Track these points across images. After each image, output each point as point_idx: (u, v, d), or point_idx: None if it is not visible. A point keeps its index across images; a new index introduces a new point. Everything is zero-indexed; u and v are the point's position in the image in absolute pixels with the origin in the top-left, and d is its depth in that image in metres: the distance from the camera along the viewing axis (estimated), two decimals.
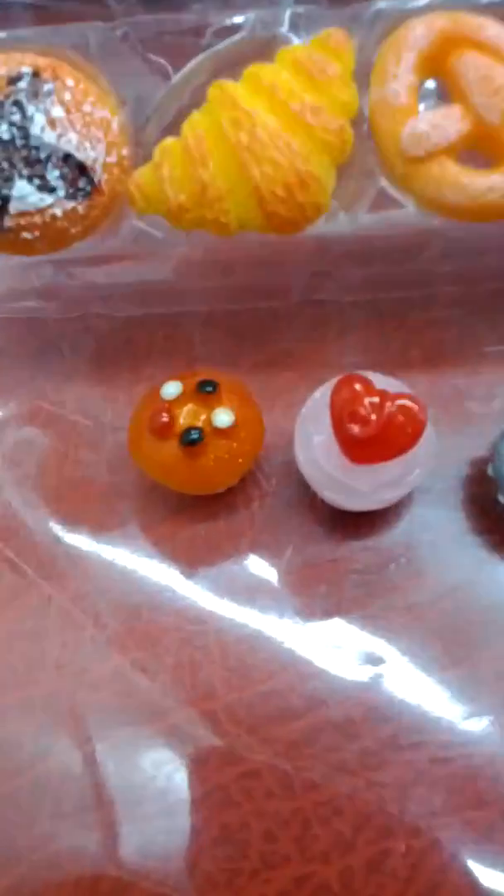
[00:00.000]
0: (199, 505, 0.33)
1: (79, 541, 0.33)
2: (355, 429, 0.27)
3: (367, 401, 0.28)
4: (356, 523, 0.33)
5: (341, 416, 0.28)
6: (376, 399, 0.28)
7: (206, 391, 0.30)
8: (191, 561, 0.33)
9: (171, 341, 0.36)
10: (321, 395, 0.30)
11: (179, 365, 0.35)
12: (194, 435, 0.29)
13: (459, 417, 0.34)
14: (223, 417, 0.29)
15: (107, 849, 0.29)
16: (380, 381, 0.29)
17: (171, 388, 0.30)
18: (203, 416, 0.30)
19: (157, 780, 0.30)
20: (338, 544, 0.33)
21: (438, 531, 0.32)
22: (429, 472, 0.30)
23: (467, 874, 0.28)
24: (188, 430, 0.29)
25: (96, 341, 0.37)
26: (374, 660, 0.31)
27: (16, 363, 0.36)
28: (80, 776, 0.30)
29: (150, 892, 0.28)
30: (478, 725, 0.29)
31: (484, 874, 0.28)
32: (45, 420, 0.35)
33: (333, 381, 0.30)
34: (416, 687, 0.30)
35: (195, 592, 0.32)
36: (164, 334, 0.36)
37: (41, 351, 0.37)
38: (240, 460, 0.30)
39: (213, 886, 0.28)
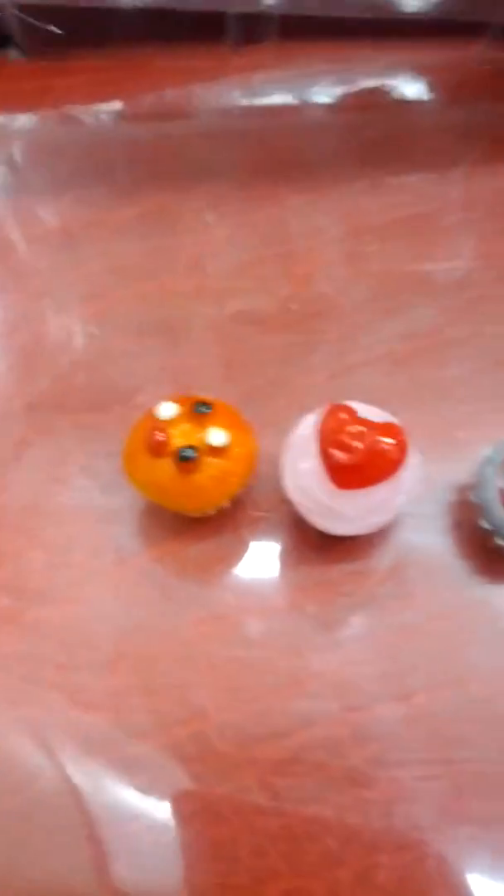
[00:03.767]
0: (192, 529, 0.34)
1: (74, 564, 0.34)
2: (341, 455, 0.29)
3: (352, 429, 0.29)
4: (345, 547, 0.34)
5: (327, 444, 0.29)
6: (361, 428, 0.29)
7: (201, 411, 0.31)
8: (183, 583, 0.34)
9: (165, 372, 0.37)
10: (307, 424, 0.31)
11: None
12: (189, 452, 0.30)
13: (446, 445, 0.35)
14: (217, 436, 0.31)
15: (98, 865, 0.30)
16: (364, 410, 0.30)
17: (167, 409, 0.31)
18: (197, 436, 0.31)
19: (149, 798, 0.30)
20: (327, 568, 0.34)
21: (425, 555, 0.34)
22: (415, 498, 0.31)
23: (453, 887, 0.29)
24: (183, 447, 0.30)
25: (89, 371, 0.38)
26: (361, 679, 0.32)
27: None
28: (73, 794, 0.31)
29: None
30: (462, 744, 0.30)
31: (469, 887, 0.29)
32: None
33: (319, 410, 0.31)
34: (402, 706, 0.31)
35: (187, 614, 0.33)
36: (156, 364, 0.38)
37: None
38: (232, 479, 0.31)
39: None
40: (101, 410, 0.37)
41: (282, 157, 0.41)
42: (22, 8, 0.35)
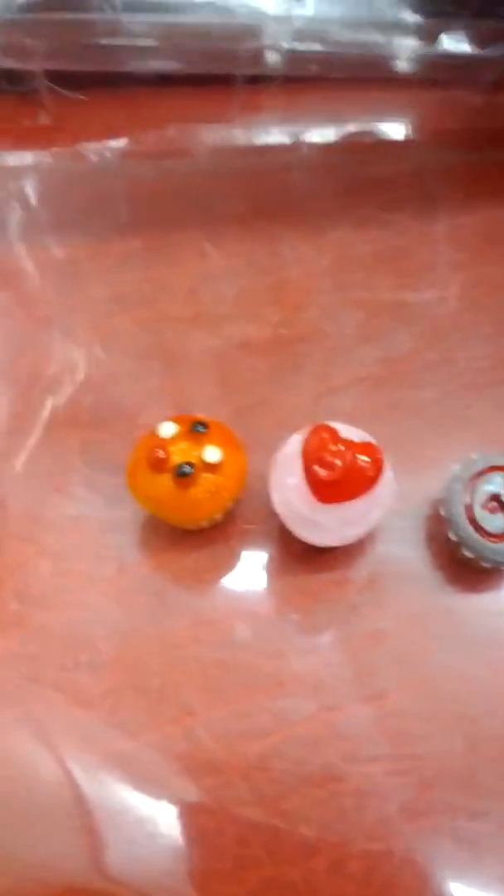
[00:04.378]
0: (187, 540, 0.37)
1: (78, 571, 0.37)
2: (322, 472, 0.31)
3: (333, 448, 0.32)
4: (326, 558, 0.36)
5: (310, 461, 0.32)
6: (341, 447, 0.32)
7: (198, 431, 0.34)
8: (178, 590, 0.36)
9: (164, 392, 0.40)
10: (294, 443, 0.34)
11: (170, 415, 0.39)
12: (187, 468, 0.33)
13: (419, 463, 0.38)
14: (212, 453, 0.33)
15: (93, 853, 0.32)
16: (345, 430, 0.33)
17: (167, 429, 0.34)
18: (194, 453, 0.33)
19: (142, 790, 0.33)
20: (309, 577, 0.36)
21: (400, 565, 0.36)
22: (390, 512, 0.34)
23: (419, 876, 0.31)
24: (182, 464, 0.33)
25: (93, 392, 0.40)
26: (337, 681, 0.34)
27: None
28: (70, 786, 0.33)
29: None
30: (429, 741, 0.33)
31: (433, 877, 0.31)
32: None
33: (304, 430, 0.34)
34: (375, 705, 0.33)
35: (180, 619, 0.35)
36: (156, 385, 0.40)
37: None
38: (224, 493, 0.34)
39: (191, 887, 0.31)
40: (106, 428, 0.39)
41: (275, 193, 0.44)
42: (47, 74, 0.37)
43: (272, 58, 0.38)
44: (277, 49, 0.37)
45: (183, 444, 0.34)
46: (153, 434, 0.34)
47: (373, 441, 0.33)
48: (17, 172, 0.45)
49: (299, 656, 0.35)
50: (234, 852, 0.32)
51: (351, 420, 0.35)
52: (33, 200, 0.44)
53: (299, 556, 0.36)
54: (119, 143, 0.45)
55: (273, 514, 0.36)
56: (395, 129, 0.46)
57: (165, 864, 0.32)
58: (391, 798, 0.32)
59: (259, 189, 0.44)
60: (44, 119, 0.43)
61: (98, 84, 0.43)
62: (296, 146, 0.45)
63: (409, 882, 0.31)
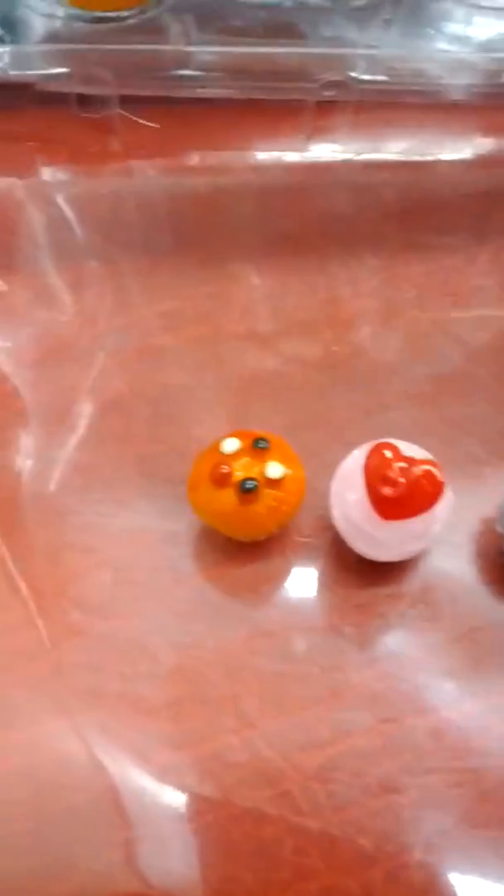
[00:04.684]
0: (243, 552, 0.37)
1: (136, 582, 0.37)
2: (386, 490, 0.32)
3: (395, 466, 0.32)
4: (379, 572, 0.37)
5: (374, 479, 0.32)
6: (404, 464, 0.32)
7: (260, 447, 0.34)
8: (234, 602, 0.37)
9: (219, 406, 0.41)
10: (354, 459, 0.34)
11: (225, 429, 0.40)
12: (252, 484, 0.33)
13: (472, 478, 0.38)
14: (275, 469, 0.34)
15: (149, 863, 0.32)
16: (405, 447, 0.34)
17: (231, 444, 0.35)
18: (256, 469, 0.34)
19: (201, 800, 0.33)
20: (363, 590, 0.37)
21: (452, 580, 0.37)
22: (446, 528, 0.34)
23: (476, 888, 0.31)
24: (246, 479, 0.33)
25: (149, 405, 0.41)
26: (394, 694, 0.35)
27: None
28: (129, 796, 0.33)
29: None
30: (486, 753, 0.33)
31: (490, 888, 0.31)
32: None
33: (364, 446, 0.34)
34: (431, 718, 0.34)
35: (237, 631, 0.36)
36: (210, 399, 0.41)
37: None
38: (285, 508, 0.35)
39: None
40: (161, 441, 0.40)
41: (328, 212, 0.45)
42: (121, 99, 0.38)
43: (339, 87, 0.38)
44: (346, 79, 0.38)
45: (245, 460, 0.34)
46: (216, 449, 0.35)
47: (431, 458, 0.34)
48: (68, 187, 0.45)
49: (355, 669, 0.35)
50: (292, 862, 0.32)
51: (404, 436, 0.35)
52: (84, 217, 0.45)
53: (353, 569, 0.37)
54: (173, 160, 0.45)
55: (326, 528, 0.36)
56: (450, 152, 0.46)
57: (223, 873, 0.32)
58: (449, 810, 0.33)
59: (311, 208, 0.45)
60: (115, 145, 0.43)
61: (153, 102, 0.44)
62: (349, 166, 0.46)
63: (466, 894, 0.31)
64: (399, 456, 0.33)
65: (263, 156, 0.45)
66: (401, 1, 0.38)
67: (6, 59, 0.40)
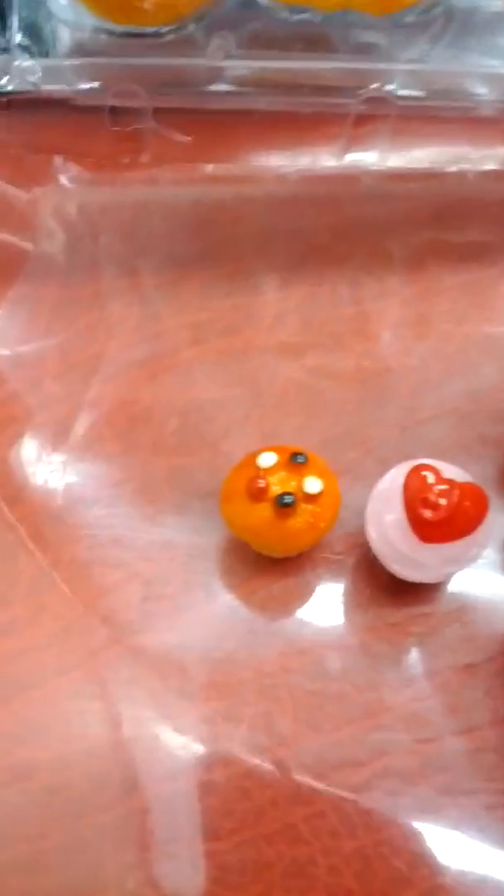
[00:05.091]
0: (275, 568, 0.37)
1: (167, 597, 0.37)
2: (427, 513, 0.32)
3: (436, 488, 0.32)
4: (413, 590, 0.36)
5: (414, 502, 0.32)
6: (445, 486, 0.32)
7: (297, 461, 0.34)
8: (266, 618, 0.36)
9: (249, 420, 0.40)
10: (391, 478, 0.34)
11: (254, 444, 0.39)
12: (289, 499, 0.33)
13: None
14: (313, 484, 0.34)
15: (175, 881, 0.32)
16: (446, 469, 0.33)
17: (268, 459, 0.34)
18: (293, 483, 0.34)
19: (234, 818, 0.33)
20: (397, 609, 0.36)
21: (488, 599, 0.36)
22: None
23: None
24: (283, 494, 0.33)
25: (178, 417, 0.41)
26: (431, 714, 0.34)
27: None
28: (159, 813, 0.33)
29: None
30: None
31: None
32: None
33: (401, 466, 0.34)
34: (468, 738, 0.34)
35: (270, 648, 0.36)
36: (240, 413, 0.41)
37: None
38: (322, 524, 0.34)
39: None
40: (191, 455, 0.39)
41: (357, 222, 0.44)
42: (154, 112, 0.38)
43: (378, 102, 0.38)
44: (385, 94, 0.38)
45: (282, 474, 0.34)
46: (251, 463, 0.34)
47: (470, 479, 0.34)
48: (94, 196, 0.45)
49: (391, 688, 0.35)
50: (325, 882, 0.32)
51: (438, 452, 0.35)
52: (110, 226, 0.44)
53: (385, 588, 0.37)
54: (199, 168, 0.45)
55: (358, 545, 0.36)
56: (486, 161, 0.46)
57: (256, 893, 0.32)
58: (487, 831, 0.32)
59: (341, 219, 0.44)
60: (145, 157, 0.43)
61: (185, 113, 0.43)
62: (379, 176, 0.45)
63: None
64: (440, 478, 0.32)
65: (292, 166, 0.45)
66: (453, 16, 0.38)
67: (38, 72, 0.39)
